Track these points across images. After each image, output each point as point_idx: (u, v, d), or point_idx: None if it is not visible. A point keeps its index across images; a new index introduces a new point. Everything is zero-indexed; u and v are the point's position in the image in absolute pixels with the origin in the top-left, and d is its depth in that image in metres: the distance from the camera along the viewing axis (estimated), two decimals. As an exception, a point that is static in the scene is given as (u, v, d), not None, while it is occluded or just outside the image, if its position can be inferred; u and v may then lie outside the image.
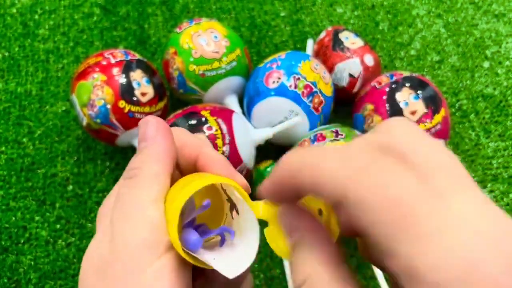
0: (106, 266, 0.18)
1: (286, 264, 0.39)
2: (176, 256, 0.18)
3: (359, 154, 0.16)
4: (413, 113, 0.38)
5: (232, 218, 0.20)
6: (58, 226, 0.41)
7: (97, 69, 0.39)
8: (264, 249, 0.40)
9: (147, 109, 0.39)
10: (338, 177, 0.15)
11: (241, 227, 0.19)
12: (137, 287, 0.17)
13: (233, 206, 0.20)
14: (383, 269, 0.16)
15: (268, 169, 0.40)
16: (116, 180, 0.43)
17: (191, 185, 0.18)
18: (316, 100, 0.39)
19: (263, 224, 0.19)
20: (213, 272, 0.19)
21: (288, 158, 0.17)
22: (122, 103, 0.38)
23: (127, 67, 0.39)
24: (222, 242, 0.20)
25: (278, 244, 0.19)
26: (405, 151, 0.15)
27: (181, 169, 0.21)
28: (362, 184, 0.15)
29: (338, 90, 0.44)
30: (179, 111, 0.39)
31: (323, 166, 0.16)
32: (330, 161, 0.16)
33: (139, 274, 0.17)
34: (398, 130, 0.16)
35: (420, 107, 0.38)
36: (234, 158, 0.36)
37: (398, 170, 0.15)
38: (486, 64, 0.50)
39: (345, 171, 0.15)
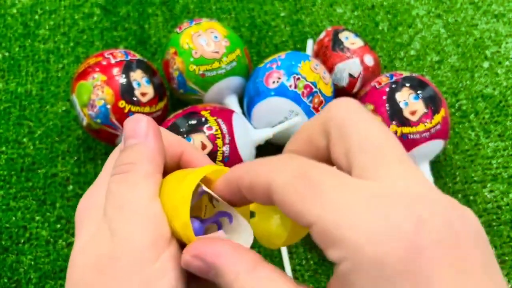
0: (108, 263, 0.18)
1: (285, 255, 0.39)
2: (177, 252, 0.18)
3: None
4: (413, 113, 0.38)
5: (214, 206, 0.21)
6: (58, 226, 0.41)
7: (97, 69, 0.39)
8: (264, 249, 0.40)
9: (147, 109, 0.39)
10: (263, 172, 0.17)
11: (236, 216, 0.20)
12: (143, 283, 0.17)
13: (212, 197, 0.20)
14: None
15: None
16: (116, 180, 0.43)
17: (193, 174, 0.19)
18: (316, 100, 0.39)
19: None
20: None
21: (237, 167, 0.19)
22: (122, 103, 0.38)
23: (127, 67, 0.40)
24: (219, 228, 0.20)
25: (266, 232, 0.20)
26: (339, 126, 0.17)
27: (165, 167, 0.22)
28: (280, 173, 0.16)
29: (338, 90, 0.44)
30: (179, 111, 0.39)
31: (257, 168, 0.17)
32: (262, 165, 0.17)
33: (144, 271, 0.17)
34: (339, 107, 0.18)
35: (420, 107, 0.38)
36: (234, 158, 0.36)
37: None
38: (485, 64, 0.50)
39: (269, 165, 0.17)
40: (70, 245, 0.41)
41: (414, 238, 0.13)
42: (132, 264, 0.17)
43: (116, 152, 0.22)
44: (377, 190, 0.15)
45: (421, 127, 0.38)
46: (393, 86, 0.39)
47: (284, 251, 0.39)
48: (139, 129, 0.21)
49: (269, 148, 0.43)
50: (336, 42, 0.44)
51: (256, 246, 0.40)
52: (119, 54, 0.41)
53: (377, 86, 0.40)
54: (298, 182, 0.16)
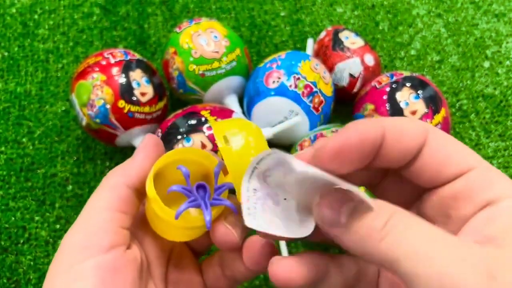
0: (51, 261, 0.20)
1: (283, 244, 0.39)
2: (113, 259, 0.19)
3: None
4: (413, 113, 0.38)
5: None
6: (58, 226, 0.41)
7: (97, 69, 0.39)
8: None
9: (146, 109, 0.39)
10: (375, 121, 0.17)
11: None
12: (59, 284, 0.18)
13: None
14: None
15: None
16: (116, 180, 0.43)
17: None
18: (316, 100, 0.39)
19: None
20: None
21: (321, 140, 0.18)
22: (121, 103, 0.38)
23: (126, 67, 0.39)
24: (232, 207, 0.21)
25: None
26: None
27: None
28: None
29: (338, 90, 0.44)
30: (179, 111, 0.39)
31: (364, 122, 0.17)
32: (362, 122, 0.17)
33: (64, 273, 0.18)
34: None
35: (421, 107, 0.38)
36: (234, 158, 0.36)
37: None
38: (486, 64, 0.50)
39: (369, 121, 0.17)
40: (69, 245, 0.41)
41: None
42: (56, 266, 0.19)
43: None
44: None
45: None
46: (394, 86, 0.39)
47: (284, 251, 0.39)
48: (139, 146, 0.22)
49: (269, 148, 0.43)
50: (336, 42, 0.44)
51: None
52: (119, 53, 0.41)
53: (378, 86, 0.40)
54: (447, 134, 0.17)
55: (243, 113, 0.43)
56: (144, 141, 0.22)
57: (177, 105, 0.42)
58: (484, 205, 0.16)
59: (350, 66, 0.43)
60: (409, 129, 0.17)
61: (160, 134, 0.37)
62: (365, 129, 0.16)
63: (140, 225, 0.23)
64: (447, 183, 0.17)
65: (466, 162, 0.17)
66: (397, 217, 0.15)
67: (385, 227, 0.15)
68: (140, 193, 0.21)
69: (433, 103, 0.38)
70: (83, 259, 0.18)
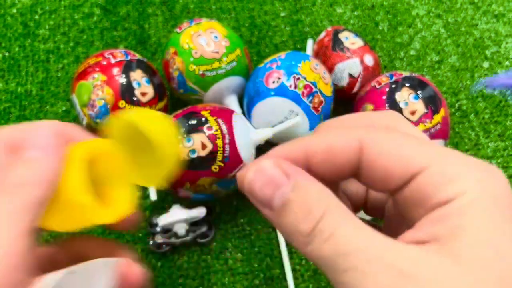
0: None
1: (285, 255, 0.39)
2: None
3: None
4: (412, 113, 0.38)
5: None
6: (58, 226, 0.41)
7: (97, 69, 0.39)
8: (264, 249, 0.40)
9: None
10: (348, 132, 0.17)
11: None
12: None
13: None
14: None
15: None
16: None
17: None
18: (316, 100, 0.39)
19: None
20: None
21: (284, 145, 0.18)
22: (122, 103, 0.38)
23: (127, 67, 0.40)
24: None
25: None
26: None
27: None
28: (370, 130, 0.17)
29: (338, 90, 0.44)
30: (179, 111, 0.39)
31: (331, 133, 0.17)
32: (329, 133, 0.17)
33: None
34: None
35: (420, 107, 0.38)
36: (234, 158, 0.36)
37: None
38: (485, 64, 0.50)
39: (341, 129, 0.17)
40: (70, 245, 0.41)
41: None
42: None
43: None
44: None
45: (421, 127, 0.38)
46: (393, 86, 0.39)
47: (284, 251, 0.40)
48: (41, 137, 0.18)
49: (269, 148, 0.43)
50: (336, 42, 0.44)
51: (257, 246, 0.40)
52: (119, 54, 0.41)
53: (377, 86, 0.40)
54: (395, 134, 0.16)
55: (243, 113, 0.43)
56: (45, 128, 0.18)
57: (177, 105, 0.42)
58: (434, 208, 0.15)
59: (350, 66, 0.43)
60: (338, 145, 0.17)
61: (160, 134, 0.37)
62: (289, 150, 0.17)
63: None
64: (399, 189, 0.16)
65: (414, 164, 0.15)
66: (326, 221, 0.15)
67: (311, 234, 0.15)
68: None
69: (433, 103, 0.38)
70: None
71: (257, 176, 0.17)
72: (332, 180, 0.17)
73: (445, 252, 0.14)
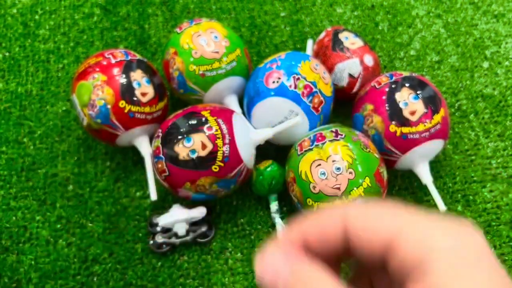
0: None
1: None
2: None
3: None
4: (412, 113, 0.38)
5: None
6: (58, 225, 0.41)
7: (98, 69, 0.39)
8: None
9: (147, 109, 0.40)
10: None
11: None
12: None
13: None
14: None
15: (268, 169, 0.40)
16: (116, 180, 0.43)
17: None
18: (316, 100, 0.39)
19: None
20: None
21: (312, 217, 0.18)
22: (122, 103, 0.38)
23: (127, 67, 0.40)
24: None
25: None
26: None
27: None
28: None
29: (338, 90, 0.44)
30: (179, 111, 0.39)
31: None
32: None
33: None
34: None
35: (420, 107, 0.38)
36: (234, 158, 0.36)
37: None
38: (485, 64, 0.50)
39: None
40: (70, 245, 0.41)
41: None
42: None
43: None
44: None
45: (420, 127, 0.38)
46: (393, 86, 0.39)
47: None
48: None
49: (269, 148, 0.43)
50: (336, 42, 0.44)
51: (257, 246, 0.40)
52: (119, 54, 0.41)
53: (377, 86, 0.40)
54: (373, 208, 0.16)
55: (243, 113, 0.43)
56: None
57: (178, 105, 0.42)
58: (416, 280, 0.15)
59: (350, 67, 0.43)
60: (325, 224, 0.17)
61: (160, 134, 0.37)
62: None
63: None
64: (386, 261, 0.16)
65: (387, 231, 0.16)
66: None
67: None
68: None
69: (432, 103, 0.38)
70: None
71: (263, 266, 0.17)
72: (331, 257, 0.18)
73: None
